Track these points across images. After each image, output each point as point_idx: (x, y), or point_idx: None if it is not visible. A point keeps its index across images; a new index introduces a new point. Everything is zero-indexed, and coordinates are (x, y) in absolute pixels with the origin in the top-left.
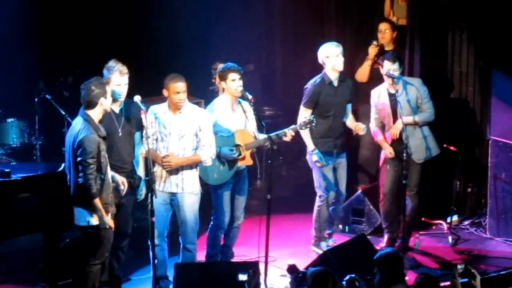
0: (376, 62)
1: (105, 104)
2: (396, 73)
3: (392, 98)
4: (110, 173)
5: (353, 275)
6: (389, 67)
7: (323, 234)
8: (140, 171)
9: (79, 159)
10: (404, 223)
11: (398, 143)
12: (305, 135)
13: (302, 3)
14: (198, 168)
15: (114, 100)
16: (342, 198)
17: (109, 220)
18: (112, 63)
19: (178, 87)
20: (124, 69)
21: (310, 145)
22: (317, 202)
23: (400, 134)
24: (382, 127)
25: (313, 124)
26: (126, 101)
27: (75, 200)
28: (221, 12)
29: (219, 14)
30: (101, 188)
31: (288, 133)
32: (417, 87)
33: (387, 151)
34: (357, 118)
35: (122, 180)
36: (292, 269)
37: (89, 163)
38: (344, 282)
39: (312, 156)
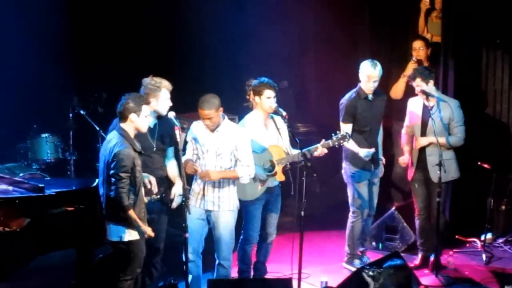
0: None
1: (135, 121)
2: (427, 89)
3: (425, 111)
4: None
5: None
6: (418, 83)
7: (356, 252)
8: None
9: (112, 171)
10: (435, 240)
11: (422, 162)
12: (351, 145)
13: (335, 20)
14: (235, 185)
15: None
16: (372, 213)
17: (147, 229)
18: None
19: (202, 114)
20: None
21: (357, 149)
22: (350, 218)
23: (422, 152)
24: (412, 136)
25: (347, 139)
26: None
27: (107, 214)
28: (255, 28)
29: (253, 30)
30: (134, 203)
31: (320, 148)
32: (452, 108)
33: (401, 158)
34: (390, 135)
35: (150, 179)
36: None
37: (121, 176)
38: None
39: (361, 152)
